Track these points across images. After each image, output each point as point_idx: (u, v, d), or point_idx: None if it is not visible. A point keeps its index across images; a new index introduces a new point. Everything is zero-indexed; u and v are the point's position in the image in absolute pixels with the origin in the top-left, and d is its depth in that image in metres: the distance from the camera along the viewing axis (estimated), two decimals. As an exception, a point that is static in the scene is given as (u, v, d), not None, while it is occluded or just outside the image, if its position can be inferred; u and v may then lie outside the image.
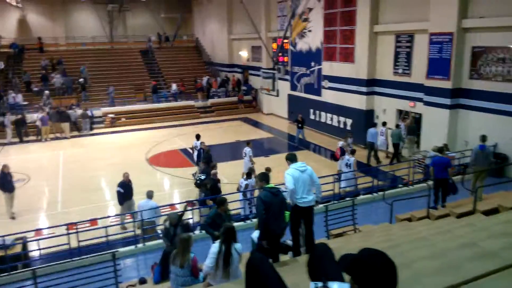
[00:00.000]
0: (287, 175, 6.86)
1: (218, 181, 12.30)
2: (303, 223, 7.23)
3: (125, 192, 11.90)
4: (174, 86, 30.94)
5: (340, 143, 15.88)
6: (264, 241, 6.57)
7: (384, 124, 17.58)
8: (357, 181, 13.63)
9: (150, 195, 11.07)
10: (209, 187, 11.89)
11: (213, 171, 12.37)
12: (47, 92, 27.08)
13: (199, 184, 12.65)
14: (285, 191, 7.04)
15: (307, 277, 2.68)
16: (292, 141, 22.09)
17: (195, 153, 16.13)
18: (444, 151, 11.02)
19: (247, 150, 15.40)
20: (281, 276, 2.76)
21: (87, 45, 35.51)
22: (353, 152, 14.05)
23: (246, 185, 12.15)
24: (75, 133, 25.02)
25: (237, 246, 5.89)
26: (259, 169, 12.50)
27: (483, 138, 11.36)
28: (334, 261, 2.78)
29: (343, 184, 13.39)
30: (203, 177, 12.65)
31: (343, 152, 14.92)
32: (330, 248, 2.94)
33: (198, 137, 16.33)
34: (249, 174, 12.57)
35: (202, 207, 11.71)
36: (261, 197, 6.51)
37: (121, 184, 11.93)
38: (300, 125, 20.98)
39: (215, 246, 5.87)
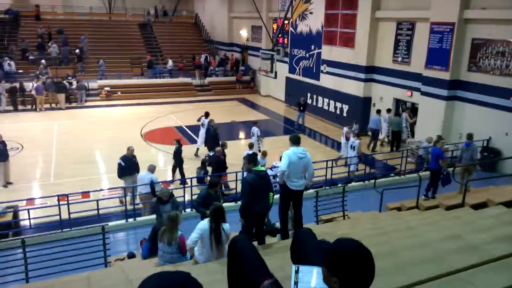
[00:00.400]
0: (285, 156, 6.87)
1: (223, 158, 12.44)
2: (292, 206, 7.30)
3: (126, 166, 11.74)
4: (170, 62, 30.56)
5: (345, 129, 15.91)
6: (243, 218, 6.66)
7: (388, 111, 17.59)
8: (358, 166, 13.90)
9: (151, 169, 11.18)
10: (207, 165, 12.00)
11: (217, 148, 12.46)
12: (43, 61, 26.76)
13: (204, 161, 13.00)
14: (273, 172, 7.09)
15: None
16: (289, 124, 22.10)
17: (202, 130, 16.08)
18: (442, 142, 11.13)
19: (255, 129, 15.44)
20: (263, 259, 2.79)
21: (85, 16, 34.96)
22: (358, 135, 14.22)
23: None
24: (69, 104, 24.86)
25: (225, 226, 5.96)
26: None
27: (469, 136, 11.50)
28: (315, 246, 2.83)
29: (352, 167, 13.67)
30: (211, 153, 12.81)
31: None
32: (313, 233, 2.99)
33: (207, 114, 16.26)
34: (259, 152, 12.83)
35: (199, 185, 11.78)
36: (248, 180, 6.54)
37: (123, 157, 11.81)
38: (302, 108, 20.95)
39: (202, 223, 5.96)
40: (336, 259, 2.02)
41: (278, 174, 7.07)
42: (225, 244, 5.88)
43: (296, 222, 7.39)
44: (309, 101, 23.72)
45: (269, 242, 7.02)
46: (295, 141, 7.03)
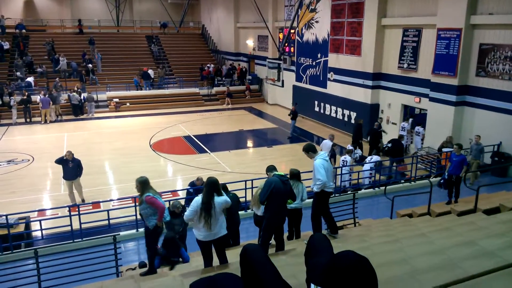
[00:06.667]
0: (320, 168, 6.85)
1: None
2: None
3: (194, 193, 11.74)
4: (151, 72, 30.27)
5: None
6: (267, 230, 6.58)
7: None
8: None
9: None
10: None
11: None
12: (18, 73, 26.83)
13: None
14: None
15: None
16: (296, 132, 22.10)
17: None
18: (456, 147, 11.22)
19: (419, 128, 17.31)
20: (275, 267, 2.78)
21: (93, 28, 35.44)
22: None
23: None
24: (76, 116, 25.22)
25: (219, 199, 5.96)
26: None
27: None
28: (328, 250, 2.82)
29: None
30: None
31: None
32: (328, 239, 2.99)
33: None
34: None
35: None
36: (270, 180, 6.44)
37: (191, 184, 11.73)
38: (292, 116, 20.80)
39: (196, 199, 6.04)
40: (334, 279, 1.82)
41: (318, 185, 6.95)
42: (217, 217, 5.92)
43: (330, 220, 7.40)
44: (316, 109, 23.74)
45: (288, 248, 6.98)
46: (314, 150, 7.19)
